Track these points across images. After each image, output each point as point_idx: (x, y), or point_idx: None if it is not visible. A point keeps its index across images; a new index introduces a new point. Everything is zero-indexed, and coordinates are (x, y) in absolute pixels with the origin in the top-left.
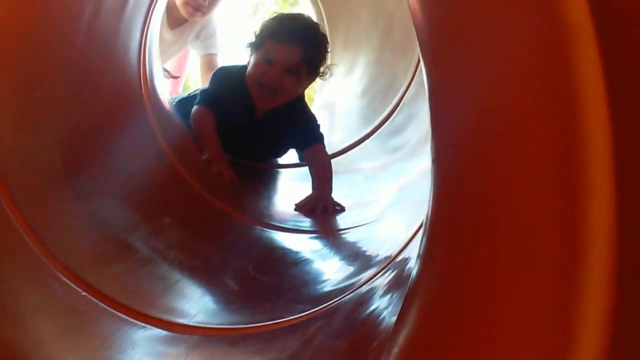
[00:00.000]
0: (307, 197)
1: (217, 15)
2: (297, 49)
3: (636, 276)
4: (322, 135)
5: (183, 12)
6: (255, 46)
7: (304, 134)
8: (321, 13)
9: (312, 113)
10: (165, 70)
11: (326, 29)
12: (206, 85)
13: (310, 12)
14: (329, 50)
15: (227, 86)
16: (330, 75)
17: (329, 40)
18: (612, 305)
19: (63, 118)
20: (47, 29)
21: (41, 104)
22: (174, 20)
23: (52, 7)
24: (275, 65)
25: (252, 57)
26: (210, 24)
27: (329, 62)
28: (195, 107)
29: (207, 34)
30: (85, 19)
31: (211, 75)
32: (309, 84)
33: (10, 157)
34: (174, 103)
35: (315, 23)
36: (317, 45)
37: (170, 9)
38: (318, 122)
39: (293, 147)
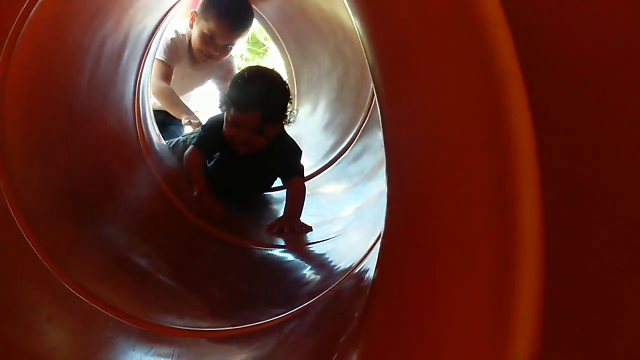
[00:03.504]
0: (278, 219)
1: (235, 56)
2: (257, 115)
3: (563, 277)
4: (301, 167)
5: (197, 56)
6: (224, 109)
7: (286, 167)
8: (288, 60)
9: (292, 143)
10: (189, 120)
11: (293, 73)
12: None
13: (278, 59)
14: (291, 99)
15: (214, 133)
16: (294, 119)
17: (289, 88)
18: (541, 304)
19: (69, 155)
20: (54, 78)
21: (50, 143)
22: (195, 60)
23: (58, 60)
24: (243, 129)
25: (225, 116)
26: (227, 65)
27: (292, 108)
28: (189, 148)
29: (224, 73)
30: (87, 69)
31: (207, 120)
32: (278, 130)
33: (25, 191)
34: (170, 145)
35: (275, 77)
36: (277, 104)
37: (192, 51)
38: (299, 150)
39: (278, 176)
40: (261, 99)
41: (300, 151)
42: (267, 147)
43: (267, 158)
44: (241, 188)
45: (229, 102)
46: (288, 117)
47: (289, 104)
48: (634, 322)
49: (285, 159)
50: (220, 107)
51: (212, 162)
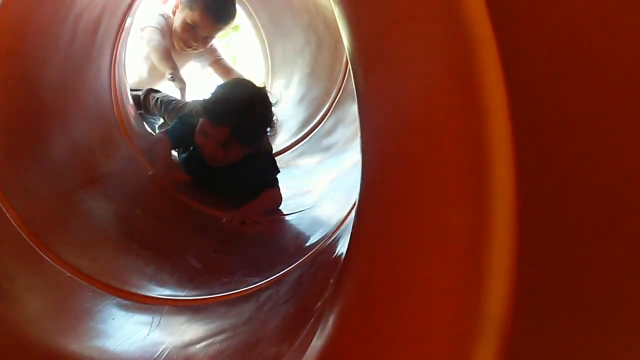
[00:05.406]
0: (239, 210)
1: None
2: (225, 130)
3: (533, 241)
4: (275, 181)
5: (176, 45)
6: (199, 114)
7: (257, 184)
8: (262, 36)
9: (264, 163)
10: (172, 76)
11: (267, 49)
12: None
13: (251, 35)
14: (271, 124)
15: (189, 127)
16: (274, 133)
17: (270, 112)
18: (514, 263)
19: (46, 129)
20: (29, 51)
21: (26, 116)
22: (174, 47)
23: (32, 34)
24: (211, 140)
25: (197, 125)
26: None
27: (267, 133)
28: (158, 133)
29: (206, 53)
30: (62, 43)
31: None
32: (248, 152)
33: (2, 164)
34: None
35: (257, 97)
36: (250, 126)
37: (173, 37)
38: (273, 168)
39: (249, 190)
40: (233, 117)
41: (276, 170)
42: (237, 162)
43: (236, 172)
44: (209, 188)
45: (202, 109)
46: (262, 140)
47: (267, 128)
48: (602, 272)
49: (257, 176)
50: (197, 112)
51: (182, 155)
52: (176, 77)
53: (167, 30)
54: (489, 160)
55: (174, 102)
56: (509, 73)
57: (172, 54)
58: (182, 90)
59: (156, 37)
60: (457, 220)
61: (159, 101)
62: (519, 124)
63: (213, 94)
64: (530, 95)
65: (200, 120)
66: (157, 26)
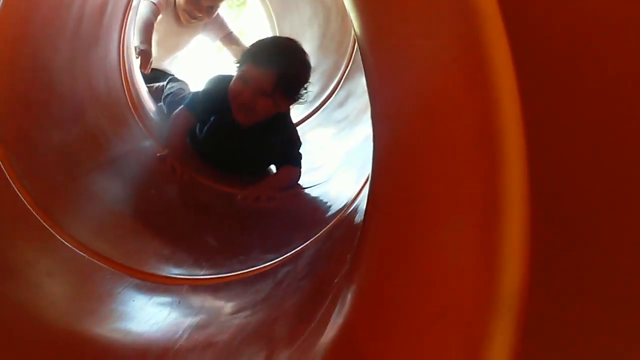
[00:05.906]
0: (255, 186)
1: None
2: (271, 74)
3: (546, 215)
4: (299, 157)
5: (182, 17)
6: (238, 64)
7: (282, 153)
8: (269, 10)
9: (294, 131)
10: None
11: (275, 23)
12: (199, 89)
13: (258, 9)
14: (309, 78)
15: (216, 95)
16: (306, 100)
17: (311, 70)
18: (528, 238)
19: (57, 112)
20: (36, 37)
21: (37, 98)
22: (179, 20)
23: (39, 18)
24: (250, 86)
25: (237, 70)
26: (216, 18)
27: (307, 88)
28: (178, 109)
29: (215, 26)
30: (69, 27)
31: (207, 80)
32: (286, 106)
33: (17, 148)
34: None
35: (303, 52)
36: (294, 73)
37: (176, 10)
38: (299, 141)
39: (272, 162)
40: (281, 61)
41: (300, 142)
42: (266, 124)
43: (264, 136)
44: (230, 163)
45: (245, 55)
46: (300, 97)
47: (306, 84)
48: (619, 258)
49: (282, 145)
50: (236, 61)
51: (204, 129)
52: (137, 49)
53: (165, 4)
54: (500, 135)
55: (171, 94)
56: (518, 52)
57: (179, 28)
58: (144, 60)
59: (144, 11)
60: (471, 195)
61: (164, 93)
62: (528, 100)
63: (258, 41)
64: (540, 75)
65: (242, 66)
66: (153, 0)
